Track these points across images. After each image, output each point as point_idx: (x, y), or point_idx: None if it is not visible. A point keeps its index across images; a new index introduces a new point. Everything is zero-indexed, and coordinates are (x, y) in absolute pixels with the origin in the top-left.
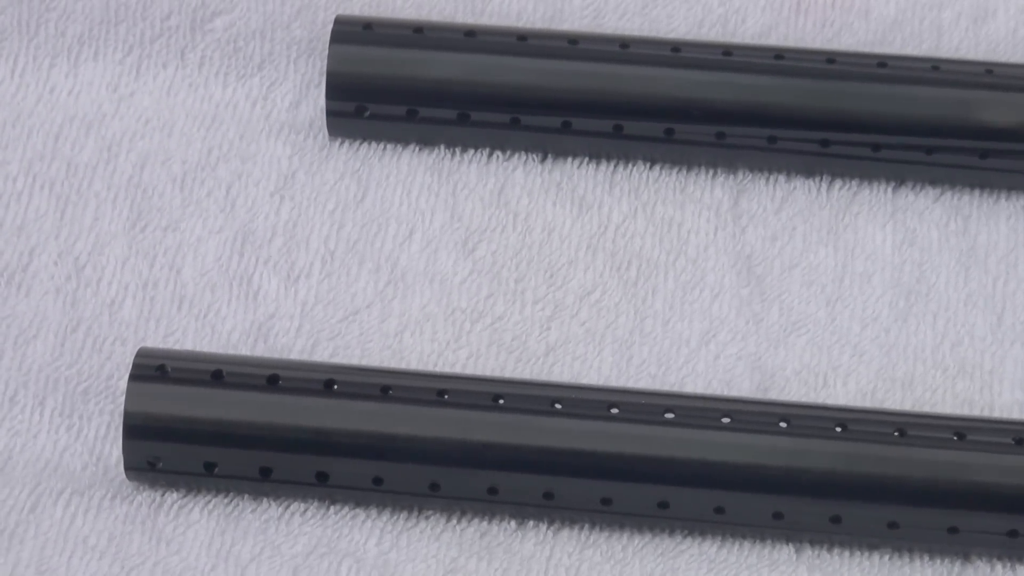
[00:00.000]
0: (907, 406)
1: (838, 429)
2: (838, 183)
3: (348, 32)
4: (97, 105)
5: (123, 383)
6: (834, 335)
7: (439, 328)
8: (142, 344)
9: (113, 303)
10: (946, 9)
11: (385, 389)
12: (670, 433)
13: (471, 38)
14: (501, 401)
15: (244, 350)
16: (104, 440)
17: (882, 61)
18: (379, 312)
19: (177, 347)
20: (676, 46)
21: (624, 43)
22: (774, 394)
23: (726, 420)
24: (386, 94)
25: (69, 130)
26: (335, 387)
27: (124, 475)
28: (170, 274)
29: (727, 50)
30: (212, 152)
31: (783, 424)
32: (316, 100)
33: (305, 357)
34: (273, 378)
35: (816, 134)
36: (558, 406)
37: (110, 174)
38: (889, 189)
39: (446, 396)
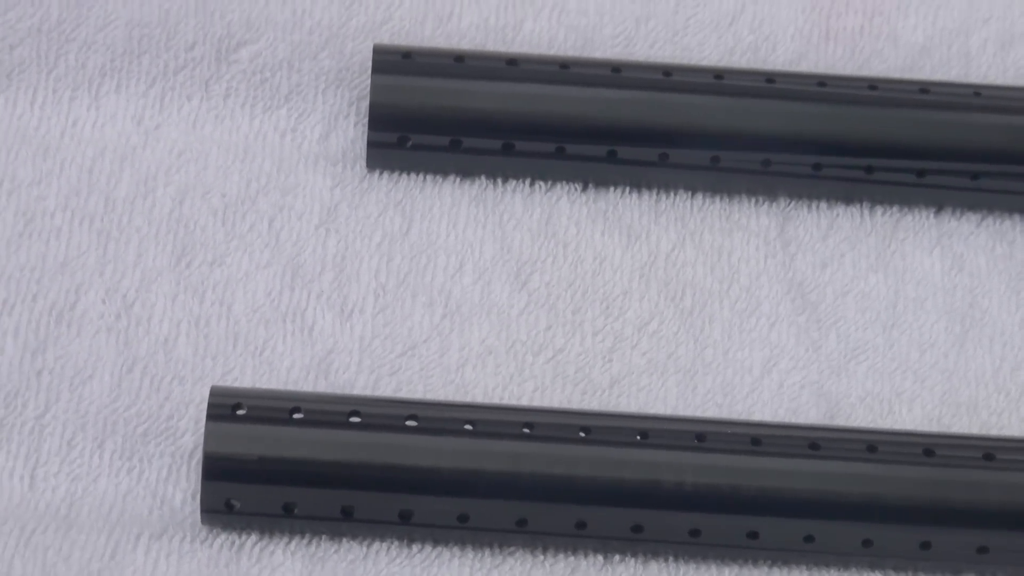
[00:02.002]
0: (975, 430)
1: (923, 454)
2: (880, 209)
3: (389, 62)
4: (125, 138)
5: (183, 423)
6: (894, 361)
7: (501, 361)
8: (199, 382)
9: (167, 341)
10: (973, 35)
11: (468, 424)
12: (760, 463)
13: (513, 67)
14: (585, 434)
15: (306, 387)
16: (166, 482)
17: (924, 87)
18: (438, 346)
19: (237, 384)
20: (719, 73)
21: (667, 71)
22: (841, 421)
23: (811, 448)
24: (430, 124)
25: (102, 164)
26: (416, 423)
27: (194, 517)
28: (221, 310)
29: (770, 77)
30: (250, 185)
31: (869, 451)
32: (346, 131)
33: (369, 392)
34: (352, 415)
35: (861, 160)
36: (643, 438)
37: (149, 208)
38: (931, 215)
39: (531, 430)
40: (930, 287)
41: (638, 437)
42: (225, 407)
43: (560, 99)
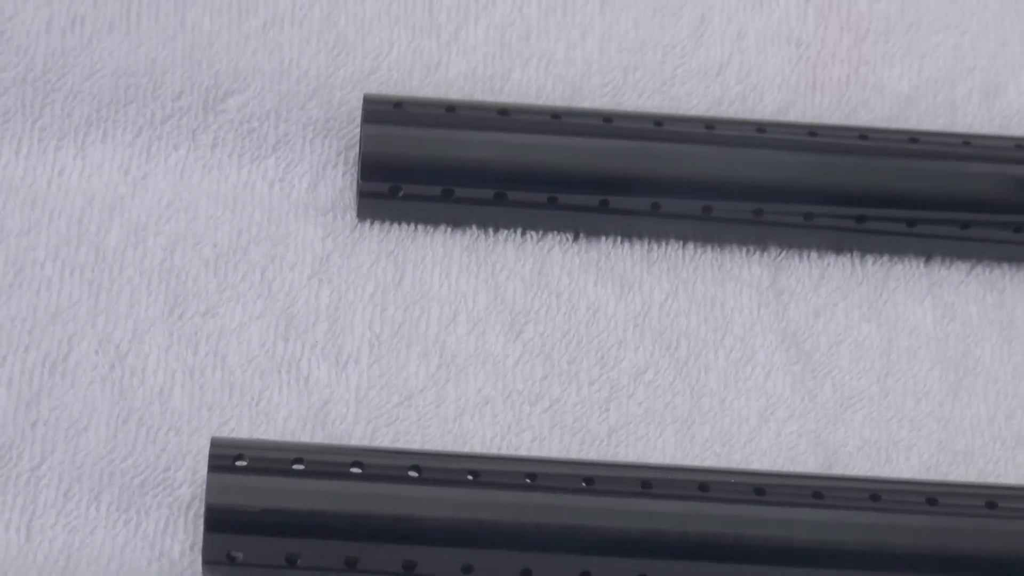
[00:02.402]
0: (972, 478)
1: (926, 503)
2: (870, 259)
3: (380, 112)
4: (112, 187)
5: (180, 474)
6: (890, 410)
7: (498, 411)
8: (195, 433)
9: (162, 392)
10: (958, 85)
11: (470, 474)
12: (764, 513)
13: (504, 116)
14: (588, 484)
15: (303, 437)
16: (164, 534)
17: (914, 137)
18: (435, 396)
19: (234, 435)
20: (710, 123)
21: (658, 121)
22: (839, 470)
23: (815, 498)
24: (422, 174)
25: (91, 213)
26: (419, 473)
27: (194, 569)
28: (215, 361)
29: (761, 127)
30: (241, 235)
31: (873, 500)
32: (334, 181)
33: (367, 443)
34: (355, 465)
35: (852, 210)
36: (646, 488)
37: (140, 258)
38: (921, 264)
39: (533, 480)
40: (923, 336)
41: (641, 487)
42: (227, 458)
43: (552, 149)
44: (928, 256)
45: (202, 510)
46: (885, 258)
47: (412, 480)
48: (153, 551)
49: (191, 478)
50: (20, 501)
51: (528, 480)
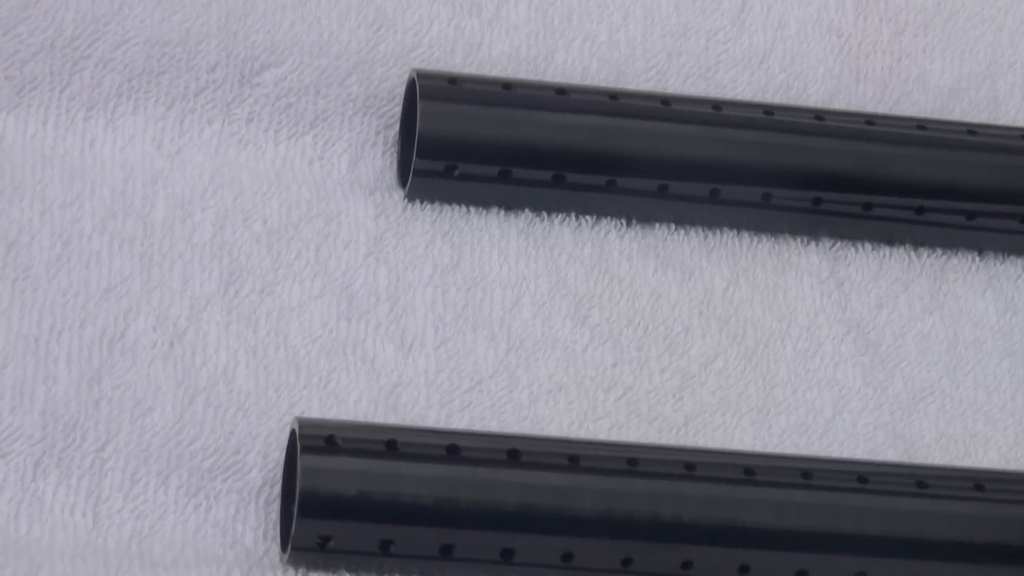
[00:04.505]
0: None
1: None
2: (924, 251)
3: (436, 88)
4: (149, 160)
5: (250, 458)
6: (963, 403)
7: (572, 398)
8: (264, 415)
9: (226, 371)
10: (999, 79)
11: (573, 459)
12: (867, 501)
13: (563, 96)
14: (689, 470)
15: (375, 420)
16: (235, 520)
17: (972, 129)
18: (506, 381)
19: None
20: (768, 109)
21: (716, 105)
22: (919, 462)
23: (919, 487)
24: (480, 153)
25: (134, 185)
26: (520, 457)
27: (269, 557)
28: (277, 340)
29: (819, 115)
30: (291, 212)
31: (977, 490)
32: (373, 160)
33: (443, 427)
34: (452, 448)
35: (912, 201)
36: (748, 475)
37: (189, 233)
38: (976, 257)
39: (636, 466)
40: (987, 329)
41: (744, 474)
42: (318, 439)
43: (612, 131)
44: (981, 250)
45: (274, 496)
46: (939, 251)
47: (511, 464)
48: (225, 538)
49: (262, 462)
50: (85, 484)
51: (631, 465)
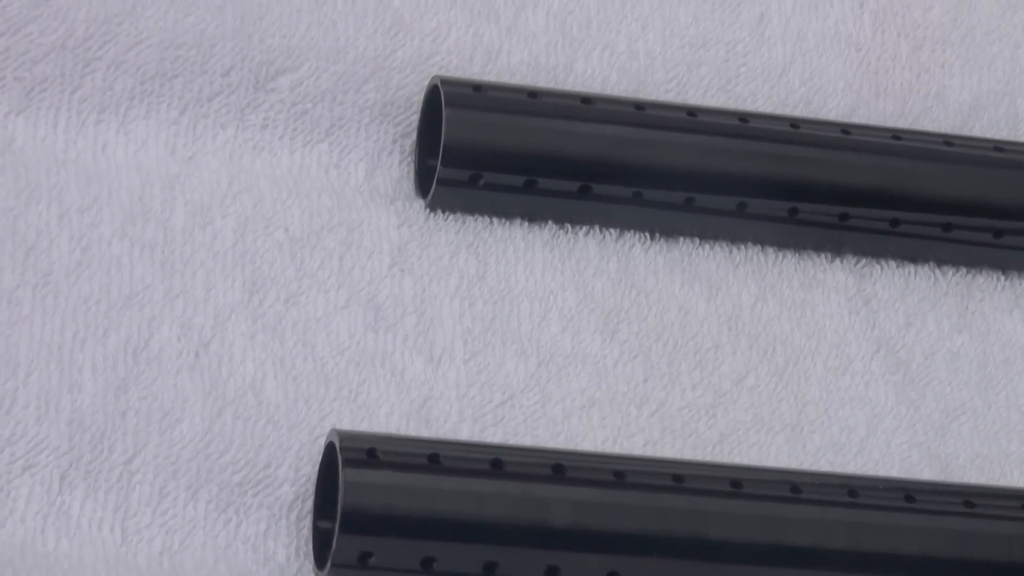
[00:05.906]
0: None
1: None
2: (949, 270)
3: (461, 95)
4: (163, 165)
5: (281, 471)
6: (996, 423)
7: (606, 413)
8: (294, 428)
9: (254, 382)
10: (1019, 96)
11: (618, 475)
12: (915, 521)
13: (589, 106)
14: (736, 488)
15: (412, 434)
16: (267, 536)
17: (999, 146)
18: (539, 396)
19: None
20: (795, 123)
21: (743, 117)
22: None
23: (967, 506)
24: (505, 163)
25: (151, 191)
26: (565, 473)
27: (303, 574)
28: (305, 351)
29: (845, 128)
30: (313, 220)
31: None
32: (390, 169)
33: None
34: (496, 463)
35: (938, 217)
36: (795, 492)
37: (210, 240)
38: (1000, 276)
39: (681, 482)
40: (1017, 349)
41: (790, 491)
42: (359, 451)
43: (639, 142)
44: (1005, 268)
45: (305, 511)
46: (963, 270)
47: (557, 481)
48: (257, 554)
49: (293, 476)
50: (113, 498)
51: (677, 482)
